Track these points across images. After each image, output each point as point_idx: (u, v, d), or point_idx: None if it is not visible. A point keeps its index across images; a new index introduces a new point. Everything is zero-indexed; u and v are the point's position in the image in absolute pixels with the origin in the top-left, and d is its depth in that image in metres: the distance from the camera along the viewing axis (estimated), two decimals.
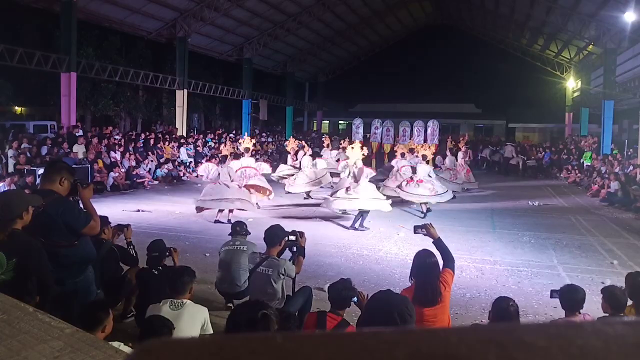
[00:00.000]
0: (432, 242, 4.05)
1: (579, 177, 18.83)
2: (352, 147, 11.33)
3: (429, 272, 3.71)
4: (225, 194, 10.13)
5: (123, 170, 15.55)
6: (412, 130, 23.11)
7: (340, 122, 40.31)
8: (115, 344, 2.52)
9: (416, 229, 4.21)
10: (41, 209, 3.30)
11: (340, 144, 17.61)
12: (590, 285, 5.96)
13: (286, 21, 24.98)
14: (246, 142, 13.69)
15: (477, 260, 7.84)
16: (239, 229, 5.85)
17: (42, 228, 3.35)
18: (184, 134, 22.29)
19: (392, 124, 24.61)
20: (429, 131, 22.40)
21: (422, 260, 3.74)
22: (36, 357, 1.42)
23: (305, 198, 13.57)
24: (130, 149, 17.30)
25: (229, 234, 5.97)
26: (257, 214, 10.84)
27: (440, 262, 3.87)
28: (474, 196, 14.91)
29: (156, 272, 4.70)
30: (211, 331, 3.75)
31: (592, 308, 4.23)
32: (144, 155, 17.50)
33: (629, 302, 3.81)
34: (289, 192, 13.31)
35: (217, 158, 13.11)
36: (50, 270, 3.19)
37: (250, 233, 5.99)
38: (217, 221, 10.19)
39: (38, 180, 9.94)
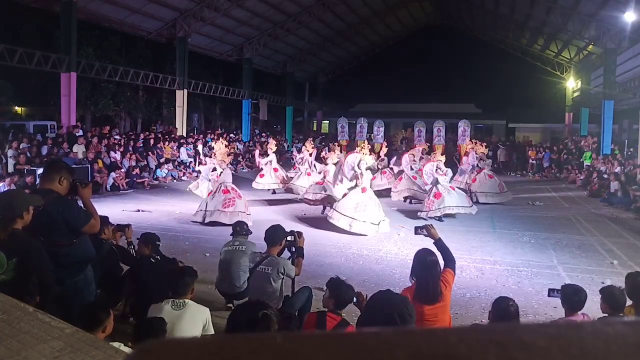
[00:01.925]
0: (433, 243, 4.05)
1: (579, 177, 18.83)
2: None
3: (429, 270, 3.72)
4: (214, 206, 10.02)
5: (123, 170, 15.55)
6: (426, 130, 23.21)
7: (338, 121, 40.30)
8: (116, 344, 2.52)
9: (417, 230, 4.22)
10: (41, 208, 3.30)
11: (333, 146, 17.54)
12: (590, 285, 5.96)
13: (286, 21, 24.97)
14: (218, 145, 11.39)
15: (477, 260, 7.84)
16: (239, 229, 5.85)
17: (42, 227, 3.35)
18: (184, 134, 22.29)
19: (383, 123, 24.62)
20: (459, 131, 22.42)
21: (423, 258, 3.75)
22: (36, 357, 1.42)
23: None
24: (130, 149, 17.30)
25: (230, 234, 5.97)
26: (256, 214, 10.83)
27: (441, 263, 3.88)
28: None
29: (153, 260, 4.69)
30: (212, 331, 3.75)
31: (592, 308, 4.23)
32: (144, 155, 17.50)
33: (629, 302, 3.81)
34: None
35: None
36: (51, 270, 3.19)
37: (251, 232, 5.99)
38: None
39: (38, 180, 9.94)
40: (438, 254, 3.90)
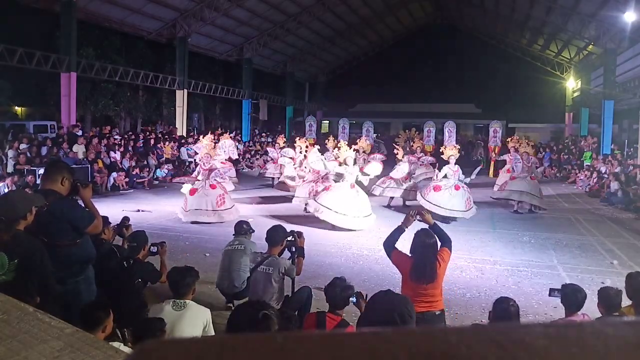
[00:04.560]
0: (429, 227, 4.12)
1: (579, 177, 18.83)
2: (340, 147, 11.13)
3: (427, 252, 3.89)
4: (210, 205, 10.03)
5: (123, 171, 15.55)
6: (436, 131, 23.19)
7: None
8: (115, 344, 2.52)
9: (413, 216, 4.32)
10: (45, 208, 3.30)
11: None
12: (591, 285, 5.96)
13: (286, 21, 24.98)
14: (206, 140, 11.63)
15: (477, 260, 7.84)
16: (239, 228, 5.86)
17: (45, 228, 3.36)
18: (184, 134, 22.29)
19: (372, 124, 24.57)
20: (445, 133, 22.42)
21: (422, 240, 3.90)
22: (36, 357, 1.42)
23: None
24: (130, 149, 17.30)
25: (233, 234, 5.97)
26: (256, 214, 10.84)
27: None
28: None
29: (126, 264, 4.55)
30: (213, 332, 3.74)
31: (592, 308, 4.23)
32: (144, 155, 17.50)
33: (629, 302, 3.81)
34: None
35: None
36: (52, 271, 3.19)
37: (254, 231, 5.99)
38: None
39: (38, 180, 9.95)
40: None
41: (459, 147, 13.29)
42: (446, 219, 10.32)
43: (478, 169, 12.09)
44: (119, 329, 3.22)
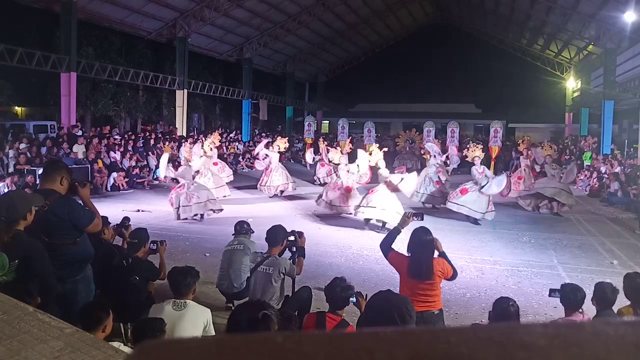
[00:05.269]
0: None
1: (579, 177, 18.82)
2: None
3: (424, 248, 3.91)
4: (196, 198, 10.28)
5: (123, 171, 15.55)
6: (436, 130, 23.17)
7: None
8: (115, 344, 2.52)
9: (416, 216, 4.39)
10: (45, 208, 3.31)
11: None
12: (591, 286, 5.93)
13: (286, 21, 24.98)
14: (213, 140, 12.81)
15: (477, 260, 7.84)
16: (239, 228, 5.86)
17: (46, 227, 3.37)
18: (184, 134, 22.28)
19: (374, 124, 24.60)
20: (448, 133, 22.38)
21: (419, 237, 3.93)
22: (36, 357, 1.42)
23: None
24: (130, 148, 17.30)
25: (232, 234, 5.97)
26: (257, 213, 10.83)
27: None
28: None
29: (125, 263, 4.55)
30: (213, 332, 3.74)
31: (592, 308, 4.23)
32: (144, 155, 17.50)
33: (628, 303, 3.81)
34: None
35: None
36: (52, 271, 3.20)
37: (253, 232, 5.99)
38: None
39: (38, 180, 9.95)
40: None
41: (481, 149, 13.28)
42: (476, 221, 10.58)
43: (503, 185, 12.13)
44: (122, 324, 3.22)
